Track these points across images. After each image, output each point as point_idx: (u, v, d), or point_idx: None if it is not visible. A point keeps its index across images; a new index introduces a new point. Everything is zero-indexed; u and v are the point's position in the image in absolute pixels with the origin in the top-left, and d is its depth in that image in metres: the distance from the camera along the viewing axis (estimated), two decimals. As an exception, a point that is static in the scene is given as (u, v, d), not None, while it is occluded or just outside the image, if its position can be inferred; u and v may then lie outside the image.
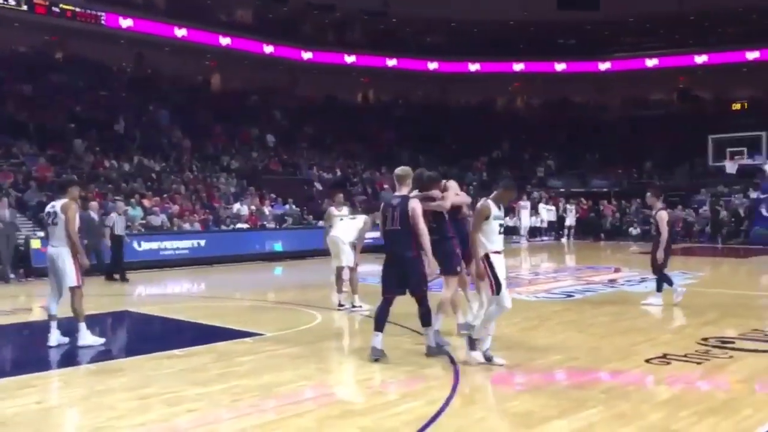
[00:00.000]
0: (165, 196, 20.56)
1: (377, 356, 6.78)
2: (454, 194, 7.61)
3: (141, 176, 21.70)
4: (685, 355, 6.85)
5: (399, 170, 7.22)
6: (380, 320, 6.89)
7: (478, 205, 6.52)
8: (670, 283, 10.07)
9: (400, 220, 6.77)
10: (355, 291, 10.10)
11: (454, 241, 7.48)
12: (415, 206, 6.78)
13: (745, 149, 24.13)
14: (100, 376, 6.38)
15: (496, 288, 6.42)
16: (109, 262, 14.85)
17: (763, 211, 22.81)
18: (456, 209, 7.70)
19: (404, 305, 9.58)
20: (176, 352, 7.33)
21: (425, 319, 6.91)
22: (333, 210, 10.81)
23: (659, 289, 10.17)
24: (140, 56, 30.65)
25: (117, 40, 28.68)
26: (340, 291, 10.24)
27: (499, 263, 6.48)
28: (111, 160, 22.20)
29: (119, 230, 14.81)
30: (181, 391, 5.74)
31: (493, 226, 6.47)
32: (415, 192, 7.27)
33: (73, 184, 8.18)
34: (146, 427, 4.90)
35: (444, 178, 7.75)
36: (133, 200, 18.72)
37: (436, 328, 7.21)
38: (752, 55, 35.09)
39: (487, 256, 6.44)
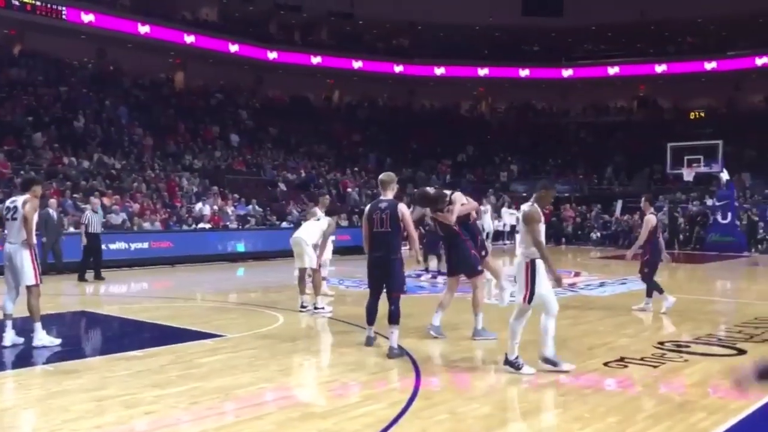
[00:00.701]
0: (126, 194, 20.22)
1: (370, 344, 7.43)
2: (459, 206, 7.96)
3: (101, 174, 21.34)
4: (641, 359, 6.97)
5: (384, 176, 7.59)
6: (371, 315, 7.43)
7: (530, 211, 6.39)
8: (660, 291, 10.08)
9: (390, 223, 7.12)
10: (318, 293, 10.09)
11: (469, 243, 7.96)
12: (404, 210, 7.27)
13: (702, 157, 24.63)
14: (56, 378, 6.24)
15: (529, 298, 6.35)
16: (82, 261, 14.53)
17: (719, 218, 23.34)
18: (466, 216, 8.09)
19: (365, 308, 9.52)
20: (134, 353, 7.22)
21: (393, 318, 7.13)
22: (317, 211, 10.92)
23: (648, 293, 10.21)
24: (102, 52, 30.12)
25: (78, 35, 28.14)
26: (302, 292, 10.19)
27: (542, 271, 6.38)
28: (70, 157, 21.78)
29: (95, 228, 14.53)
30: (138, 393, 5.66)
31: (542, 231, 6.44)
32: (420, 210, 8.03)
33: (36, 183, 8.01)
34: (102, 430, 4.81)
35: (424, 184, 8.16)
36: (92, 198, 18.38)
37: (480, 327, 7.89)
38: (710, 66, 35.93)
39: (533, 263, 6.33)
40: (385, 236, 7.18)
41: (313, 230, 10.23)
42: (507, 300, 8.41)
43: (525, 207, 6.48)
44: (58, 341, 7.63)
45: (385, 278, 7.23)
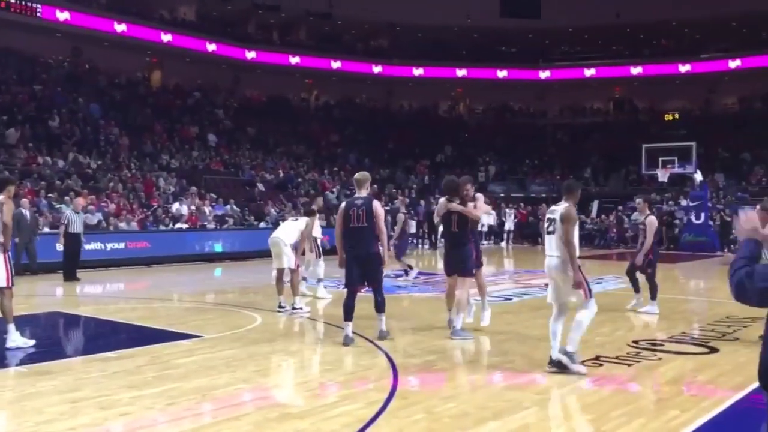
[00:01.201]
0: (101, 194, 20.02)
1: (348, 343, 7.53)
2: (482, 204, 8.45)
3: (76, 173, 21.11)
4: (616, 357, 7.06)
5: (358, 175, 8.03)
6: (348, 311, 7.67)
7: (568, 211, 6.45)
8: (638, 290, 10.19)
9: (366, 219, 7.54)
10: (296, 293, 10.07)
11: (471, 246, 8.20)
12: (378, 207, 7.70)
13: (676, 158, 24.99)
14: (30, 379, 6.17)
15: (590, 292, 6.50)
16: (64, 261, 14.40)
17: (693, 219, 23.66)
18: (473, 221, 8.36)
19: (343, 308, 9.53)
20: (110, 354, 7.16)
21: (380, 306, 7.78)
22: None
23: (652, 295, 10.13)
24: (77, 50, 29.78)
25: (53, 33, 27.82)
26: (280, 293, 10.15)
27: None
28: (45, 157, 21.53)
29: (76, 228, 14.38)
30: (114, 394, 5.61)
31: (577, 231, 6.60)
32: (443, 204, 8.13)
33: (11, 183, 7.88)
34: (77, 432, 4.77)
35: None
36: (67, 198, 18.21)
37: (459, 327, 8.02)
38: (684, 68, 36.40)
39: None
40: (362, 231, 7.56)
41: (291, 230, 10.22)
42: (488, 320, 8.72)
43: (562, 208, 6.48)
44: (32, 342, 7.54)
45: (367, 272, 7.65)
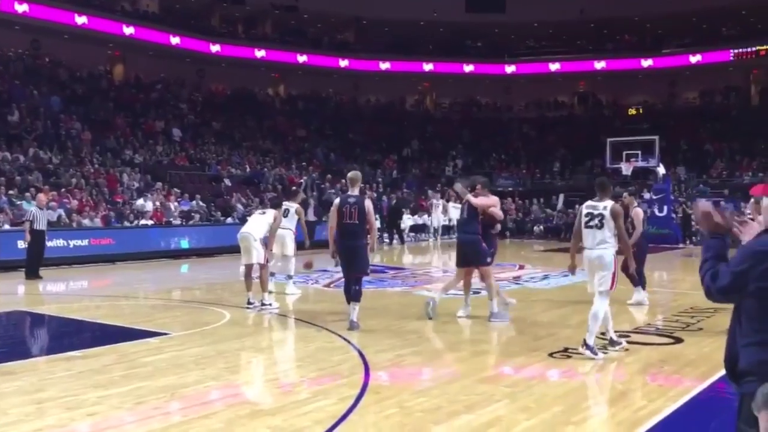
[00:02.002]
0: (63, 190, 19.62)
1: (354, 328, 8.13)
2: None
3: (37, 169, 20.66)
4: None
5: (351, 174, 8.70)
6: (349, 291, 8.40)
7: (617, 208, 7.08)
8: (639, 284, 10.23)
9: (358, 215, 8.18)
10: (265, 289, 9.95)
11: (481, 238, 8.82)
12: (369, 205, 8.40)
13: (639, 152, 25.36)
14: (-8, 380, 6.03)
15: (615, 284, 7.05)
16: (27, 258, 14.07)
17: (656, 211, 24.04)
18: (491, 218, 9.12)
19: (312, 304, 9.59)
20: (75, 353, 7.01)
21: (356, 296, 8.24)
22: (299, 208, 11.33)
23: (642, 285, 10.29)
24: (37, 43, 29.11)
25: (11, 25, 27.11)
26: (249, 288, 9.98)
27: None
28: (4, 152, 21.01)
29: (40, 225, 14.08)
30: (80, 394, 5.50)
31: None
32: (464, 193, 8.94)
33: None
34: (43, 433, 4.67)
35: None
36: (28, 194, 17.82)
37: (496, 310, 8.72)
38: (646, 63, 36.95)
39: (616, 254, 7.03)
40: (354, 227, 8.21)
41: (260, 225, 10.07)
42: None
43: (609, 204, 7.02)
44: None
45: (353, 261, 8.26)
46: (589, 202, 7.21)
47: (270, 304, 9.83)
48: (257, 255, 9.84)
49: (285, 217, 10.63)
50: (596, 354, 6.69)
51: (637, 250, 9.98)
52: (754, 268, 2.48)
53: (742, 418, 2.50)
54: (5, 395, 5.49)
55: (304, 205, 16.07)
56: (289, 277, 11.47)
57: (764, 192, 2.72)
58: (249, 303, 9.90)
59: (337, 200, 8.72)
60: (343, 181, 28.21)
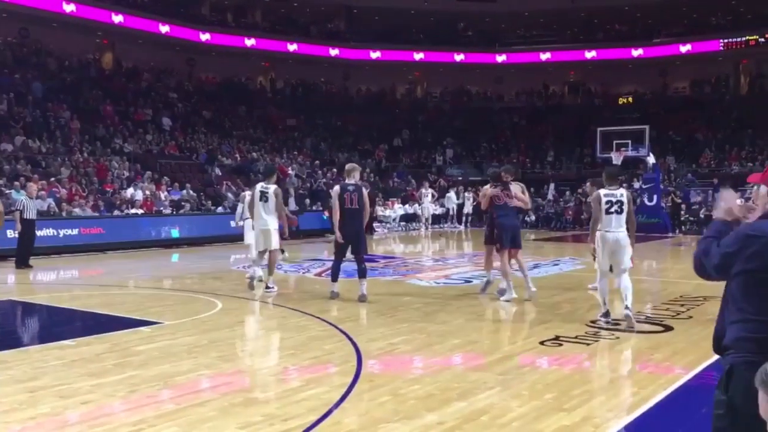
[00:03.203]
0: (52, 179, 19.50)
1: (334, 297, 9.42)
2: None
3: (25, 158, 20.52)
4: (575, 337, 7.19)
5: (348, 166, 9.84)
6: (336, 273, 9.54)
7: (631, 196, 8.25)
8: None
9: (358, 201, 9.27)
10: (272, 273, 10.32)
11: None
12: (365, 192, 9.52)
13: (629, 142, 25.44)
14: (-16, 370, 6.02)
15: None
16: (18, 248, 14.01)
17: (646, 201, 24.15)
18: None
19: (304, 293, 9.61)
20: (67, 342, 7.01)
21: (363, 273, 9.40)
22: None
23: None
24: (25, 31, 28.82)
25: (-1, 13, 26.88)
26: (271, 273, 10.35)
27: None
28: (-8, 141, 20.89)
29: (30, 214, 14.03)
30: (73, 382, 5.50)
31: None
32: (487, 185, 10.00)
33: None
34: (37, 421, 4.66)
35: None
36: (17, 183, 17.70)
37: (503, 287, 9.56)
38: (637, 52, 36.98)
39: None
40: (354, 212, 9.30)
41: (272, 213, 10.12)
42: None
43: (625, 192, 8.07)
44: None
45: (356, 243, 9.43)
46: (605, 191, 7.96)
47: (273, 288, 10.21)
48: (275, 241, 10.18)
49: (265, 201, 10.20)
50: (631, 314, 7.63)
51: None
52: (742, 251, 2.59)
53: (720, 387, 2.64)
54: (-2, 384, 5.49)
55: (285, 195, 15.85)
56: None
57: (761, 179, 2.78)
58: (268, 287, 10.24)
59: (336, 188, 9.58)
60: (334, 170, 28.30)
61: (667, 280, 12.67)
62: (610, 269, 8.09)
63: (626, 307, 7.65)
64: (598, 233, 8.03)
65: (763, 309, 2.57)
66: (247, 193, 11.89)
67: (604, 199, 7.87)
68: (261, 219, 10.12)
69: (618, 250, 7.85)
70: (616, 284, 8.01)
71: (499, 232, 9.51)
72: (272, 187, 10.21)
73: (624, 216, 7.86)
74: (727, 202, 2.86)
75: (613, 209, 7.83)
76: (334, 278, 9.53)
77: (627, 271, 7.87)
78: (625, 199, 7.88)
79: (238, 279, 12.09)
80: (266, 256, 10.27)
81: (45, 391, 5.29)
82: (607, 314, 7.95)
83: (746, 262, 2.58)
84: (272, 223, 10.12)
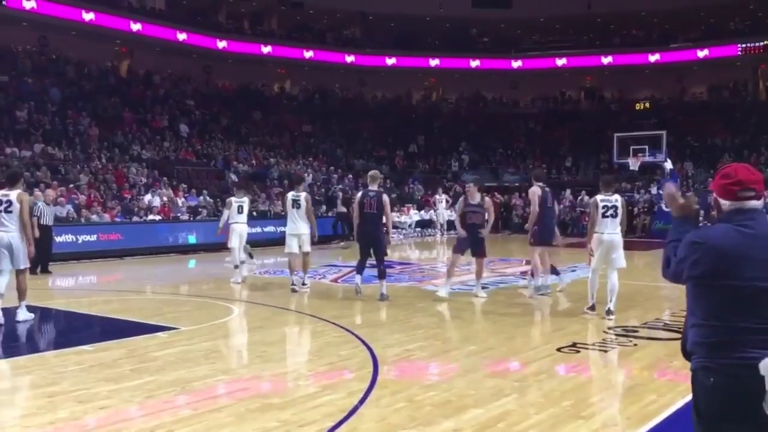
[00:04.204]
0: (71, 186, 19.69)
1: (358, 291, 10.05)
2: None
3: (45, 165, 20.74)
4: (592, 344, 7.15)
5: (371, 173, 10.61)
6: (361, 269, 10.18)
7: (624, 201, 9.04)
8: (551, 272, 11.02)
9: (377, 207, 9.81)
10: (306, 271, 11.30)
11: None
12: (386, 199, 10.03)
13: (647, 147, 25.30)
14: (5, 374, 6.08)
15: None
16: (36, 253, 14.14)
17: (663, 207, 23.97)
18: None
19: (320, 299, 9.63)
20: (86, 347, 7.06)
21: (382, 274, 9.99)
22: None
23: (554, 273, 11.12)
24: (45, 40, 29.19)
25: (19, 22, 27.18)
26: (303, 270, 11.26)
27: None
28: (12, 148, 21.10)
29: (47, 220, 14.19)
30: (92, 387, 5.54)
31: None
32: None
33: (22, 176, 9.08)
34: (56, 426, 4.70)
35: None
36: (37, 190, 17.87)
37: (538, 284, 10.36)
38: (653, 58, 36.75)
39: None
40: (374, 216, 9.88)
41: (304, 219, 10.93)
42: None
43: (620, 198, 8.88)
44: (32, 316, 8.58)
45: (374, 246, 9.93)
46: (601, 196, 8.72)
47: (307, 285, 11.24)
48: (309, 244, 11.07)
49: (297, 208, 10.96)
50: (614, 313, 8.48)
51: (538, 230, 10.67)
52: (688, 258, 2.66)
53: (692, 392, 2.74)
54: (18, 389, 5.55)
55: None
56: (236, 266, 12.43)
57: (713, 187, 2.82)
58: (303, 284, 11.14)
59: (359, 194, 10.36)
60: (350, 176, 28.40)
61: (684, 287, 12.53)
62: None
63: (608, 310, 8.51)
64: (595, 235, 8.66)
65: (710, 314, 2.62)
66: (233, 200, 12.90)
67: (600, 204, 8.64)
68: (294, 224, 10.96)
69: (612, 250, 8.61)
70: (609, 283, 8.62)
71: (543, 230, 10.22)
72: (303, 194, 11.05)
73: (618, 219, 8.63)
74: (670, 197, 2.95)
75: (608, 213, 8.59)
76: (359, 271, 10.22)
77: (617, 271, 8.65)
78: (619, 204, 8.67)
79: (255, 284, 12.14)
80: (295, 258, 11.11)
81: (64, 396, 5.33)
82: (593, 308, 8.70)
83: (691, 269, 2.64)
84: (304, 228, 10.96)
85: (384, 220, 9.98)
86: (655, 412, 4.98)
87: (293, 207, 10.91)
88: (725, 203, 2.70)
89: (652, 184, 26.94)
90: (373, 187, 10.07)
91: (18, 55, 27.83)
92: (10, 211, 8.42)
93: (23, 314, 8.50)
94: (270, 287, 11.84)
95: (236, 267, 12.39)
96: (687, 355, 2.77)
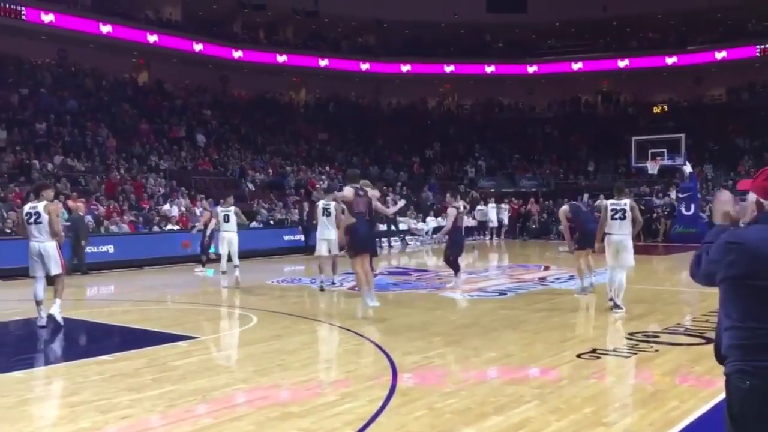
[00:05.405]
0: (90, 197, 19.87)
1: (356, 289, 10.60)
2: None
3: (65, 176, 20.97)
4: (613, 350, 7.09)
5: (349, 171, 10.92)
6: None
7: (635, 203, 9.89)
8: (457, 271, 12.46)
9: (368, 212, 9.90)
10: (335, 273, 12.38)
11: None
12: (377, 203, 10.46)
13: (665, 150, 25.09)
14: (28, 384, 6.14)
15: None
16: None
17: (683, 210, 23.78)
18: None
19: (339, 306, 9.62)
20: (106, 357, 7.10)
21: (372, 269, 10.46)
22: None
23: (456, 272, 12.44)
24: (63, 53, 29.58)
25: (38, 35, 27.60)
26: (335, 272, 12.36)
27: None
28: (33, 159, 21.36)
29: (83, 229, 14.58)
30: (113, 397, 5.57)
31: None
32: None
33: (47, 188, 9.19)
34: (78, 436, 4.74)
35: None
36: (59, 202, 18.06)
37: (587, 285, 11.02)
38: (671, 60, 36.55)
39: None
40: (363, 215, 9.89)
41: (332, 227, 11.71)
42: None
43: (629, 201, 9.59)
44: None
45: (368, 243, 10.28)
46: (612, 201, 9.57)
47: (334, 283, 12.25)
48: (337, 248, 11.74)
49: (328, 216, 11.98)
50: (622, 307, 9.26)
51: (452, 242, 12.54)
52: (723, 259, 2.62)
53: (726, 396, 2.66)
54: (40, 399, 5.60)
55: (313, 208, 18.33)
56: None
57: (751, 186, 2.79)
58: (333, 283, 12.21)
59: (329, 205, 11.64)
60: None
61: (706, 291, 12.33)
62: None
63: (615, 304, 9.32)
64: (605, 236, 9.49)
65: (746, 316, 2.58)
66: (219, 209, 14.08)
67: (610, 207, 9.49)
68: (326, 230, 11.84)
69: (621, 250, 9.36)
70: (617, 280, 9.38)
71: (584, 236, 10.74)
72: (333, 203, 11.72)
73: (627, 221, 9.38)
74: (723, 204, 2.87)
75: (617, 216, 9.40)
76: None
77: (625, 270, 9.49)
78: (627, 208, 9.42)
79: (272, 293, 12.18)
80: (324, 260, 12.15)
81: (85, 405, 5.36)
82: (612, 302, 9.42)
83: (727, 270, 2.60)
84: (334, 234, 11.69)
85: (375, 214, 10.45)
86: (678, 418, 4.93)
87: (323, 215, 11.86)
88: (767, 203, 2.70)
89: (671, 188, 26.72)
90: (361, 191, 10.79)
91: (37, 68, 28.20)
92: (40, 222, 8.65)
93: (56, 309, 8.69)
94: (288, 295, 11.88)
95: (223, 273, 13.70)
96: (721, 358, 2.72)
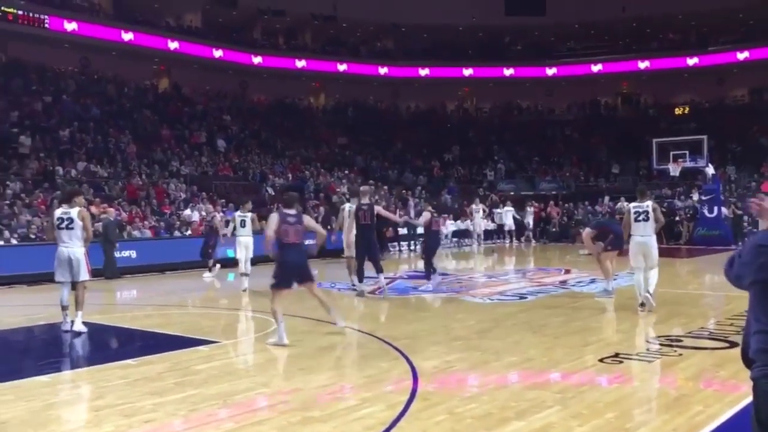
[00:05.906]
0: (113, 202, 20.07)
1: (362, 296, 11.65)
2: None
3: (88, 182, 21.21)
4: (636, 354, 7.03)
5: (362, 188, 12.67)
6: (361, 274, 11.89)
7: (657, 205, 10.07)
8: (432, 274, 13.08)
9: (371, 218, 11.50)
10: (351, 272, 12.49)
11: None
12: (378, 207, 12.10)
13: (687, 152, 24.83)
14: (53, 388, 6.21)
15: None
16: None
17: (706, 213, 23.53)
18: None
19: (359, 311, 9.62)
20: (129, 361, 7.18)
21: (380, 269, 11.92)
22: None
23: (428, 276, 13.06)
24: (86, 60, 29.96)
25: (61, 43, 28.00)
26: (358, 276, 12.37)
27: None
28: (56, 166, 21.63)
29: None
30: (136, 401, 5.63)
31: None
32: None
33: (78, 194, 9.51)
34: (102, 440, 4.79)
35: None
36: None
37: (609, 288, 11.23)
38: (692, 61, 36.23)
39: None
40: (369, 227, 11.57)
41: (351, 229, 12.21)
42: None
43: (652, 203, 9.80)
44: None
45: (370, 252, 11.77)
46: (634, 204, 9.81)
47: (353, 284, 12.43)
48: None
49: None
50: (654, 303, 9.58)
51: (427, 245, 13.60)
52: (754, 261, 2.61)
53: (753, 401, 2.64)
54: (65, 403, 5.66)
55: (328, 213, 18.56)
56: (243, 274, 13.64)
57: None
58: (353, 285, 12.45)
59: (347, 206, 12.50)
60: (385, 187, 28.47)
61: (730, 294, 12.22)
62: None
63: (647, 290, 9.55)
64: (631, 238, 9.72)
65: None
66: (237, 215, 14.08)
67: (632, 210, 9.74)
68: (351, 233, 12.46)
69: (647, 250, 9.63)
70: (651, 278, 9.70)
71: (617, 238, 10.85)
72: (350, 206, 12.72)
73: (650, 222, 9.60)
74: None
75: (640, 218, 9.63)
76: (360, 278, 11.93)
77: (656, 267, 9.73)
78: (650, 209, 9.62)
79: (292, 298, 12.20)
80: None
81: (109, 409, 5.42)
82: (642, 305, 9.54)
83: (757, 273, 2.59)
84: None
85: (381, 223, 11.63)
86: (702, 423, 4.88)
87: (350, 217, 12.38)
88: None
89: (693, 189, 26.45)
90: (365, 201, 11.68)
91: (61, 75, 28.58)
92: (72, 228, 8.78)
93: (79, 325, 8.79)
94: (307, 299, 11.88)
95: (243, 275, 13.57)
96: (748, 362, 2.71)
